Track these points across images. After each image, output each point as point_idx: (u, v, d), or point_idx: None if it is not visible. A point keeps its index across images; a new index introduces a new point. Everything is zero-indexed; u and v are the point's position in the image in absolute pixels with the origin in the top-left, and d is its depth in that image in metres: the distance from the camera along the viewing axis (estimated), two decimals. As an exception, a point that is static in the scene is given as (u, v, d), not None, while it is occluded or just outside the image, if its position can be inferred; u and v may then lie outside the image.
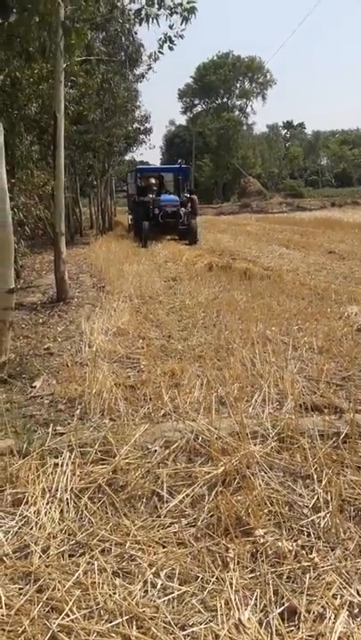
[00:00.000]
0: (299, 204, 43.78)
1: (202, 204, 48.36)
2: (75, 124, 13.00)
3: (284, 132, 71.02)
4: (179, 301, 7.26)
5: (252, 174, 56.53)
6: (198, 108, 67.67)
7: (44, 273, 11.25)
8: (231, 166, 57.50)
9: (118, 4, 9.71)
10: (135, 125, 24.38)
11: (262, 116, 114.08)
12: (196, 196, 18.79)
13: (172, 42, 7.57)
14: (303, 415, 3.39)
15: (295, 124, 70.90)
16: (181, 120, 69.16)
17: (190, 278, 8.99)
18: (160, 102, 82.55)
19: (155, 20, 6.97)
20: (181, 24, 7.19)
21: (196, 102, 67.93)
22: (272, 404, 3.55)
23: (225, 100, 66.68)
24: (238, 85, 66.13)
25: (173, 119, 70.96)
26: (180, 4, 7.01)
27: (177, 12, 7.10)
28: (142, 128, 25.62)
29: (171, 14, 7.14)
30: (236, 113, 65.30)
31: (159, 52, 7.99)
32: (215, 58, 64.88)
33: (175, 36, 7.50)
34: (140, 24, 7.27)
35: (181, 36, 7.54)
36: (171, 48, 7.66)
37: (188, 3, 6.96)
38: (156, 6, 6.95)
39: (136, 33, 13.07)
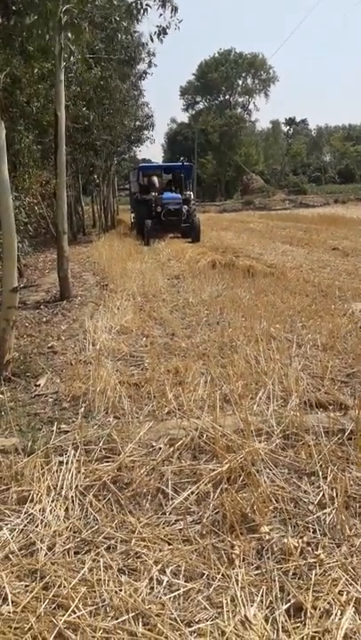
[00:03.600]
0: (302, 201, 43.64)
1: (205, 201, 48.70)
2: (76, 122, 12.97)
3: (286, 128, 70.83)
4: (182, 299, 7.26)
5: (255, 171, 56.39)
6: (200, 106, 67.69)
7: (47, 272, 11.26)
8: (234, 163, 57.39)
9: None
10: (137, 123, 24.35)
11: (266, 112, 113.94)
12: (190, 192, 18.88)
13: (165, 33, 7.88)
14: (308, 412, 3.38)
15: (298, 120, 70.67)
16: (183, 117, 69.19)
17: (193, 276, 8.99)
18: (161, 100, 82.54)
19: (145, 12, 7.29)
20: (172, 14, 7.56)
21: (198, 99, 67.95)
22: (276, 402, 3.55)
23: (227, 97, 66.59)
24: (241, 82, 66.05)
25: (175, 117, 70.92)
26: None
27: (168, 2, 7.37)
28: (144, 124, 25.56)
29: (163, 5, 7.40)
30: (239, 110, 65.18)
31: (150, 39, 8.35)
32: (217, 55, 64.80)
33: (168, 27, 7.93)
34: (131, 17, 7.61)
35: (178, 27, 7.87)
36: (161, 40, 8.00)
37: None
38: None
39: (135, 32, 13.28)
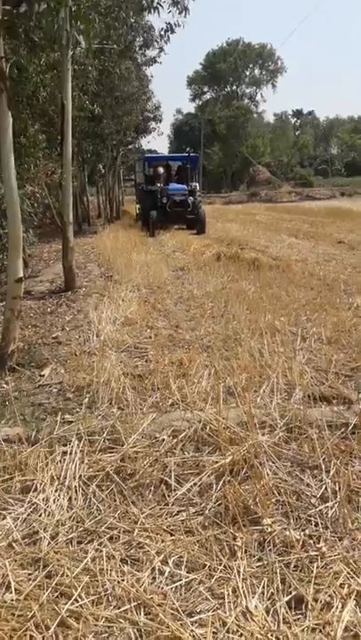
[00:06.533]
0: (308, 194, 43.44)
1: (210, 192, 48.51)
2: (82, 111, 12.90)
3: (293, 120, 70.28)
4: (187, 291, 7.25)
5: (262, 163, 56.09)
6: (207, 96, 67.30)
7: (52, 262, 11.26)
8: (240, 155, 57.08)
9: None
10: (145, 114, 24.23)
11: (275, 102, 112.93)
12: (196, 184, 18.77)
13: (173, 31, 8.02)
14: (312, 406, 3.38)
15: (305, 111, 70.14)
16: (189, 108, 68.81)
17: (198, 268, 8.97)
18: (167, 90, 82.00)
19: (157, 10, 7.42)
20: (180, 14, 7.65)
21: (206, 90, 67.54)
22: (280, 395, 3.54)
23: (235, 87, 66.18)
24: (248, 73, 65.56)
25: (180, 107, 70.42)
26: None
27: (178, 2, 7.44)
28: (152, 116, 25.47)
29: (174, 4, 7.48)
30: (246, 101, 64.75)
31: (160, 36, 8.50)
32: (225, 45, 64.28)
33: (177, 25, 8.11)
34: (142, 12, 7.76)
35: (183, 25, 8.04)
36: (168, 38, 8.14)
37: None
38: None
39: (135, 21, 13.30)
